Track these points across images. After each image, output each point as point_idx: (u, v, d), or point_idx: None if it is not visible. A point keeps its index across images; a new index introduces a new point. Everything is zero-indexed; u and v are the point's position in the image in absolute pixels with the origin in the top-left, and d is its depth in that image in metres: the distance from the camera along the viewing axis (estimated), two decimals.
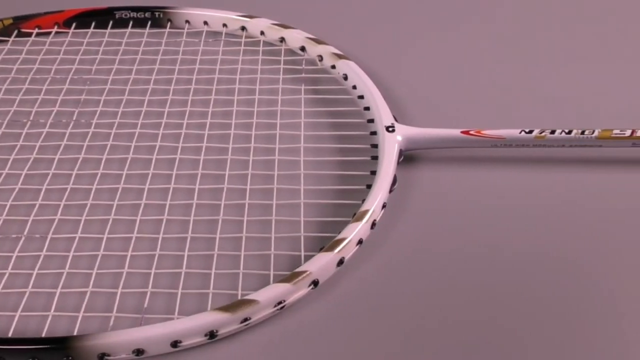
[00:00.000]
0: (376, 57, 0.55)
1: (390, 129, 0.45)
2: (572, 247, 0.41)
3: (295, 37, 0.55)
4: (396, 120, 0.47)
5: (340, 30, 0.58)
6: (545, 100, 0.51)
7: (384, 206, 0.41)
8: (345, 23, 0.60)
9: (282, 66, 0.53)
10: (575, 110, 0.50)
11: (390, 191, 0.42)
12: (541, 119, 0.49)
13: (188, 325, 0.34)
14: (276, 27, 0.56)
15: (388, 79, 0.53)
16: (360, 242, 0.39)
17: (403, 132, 0.45)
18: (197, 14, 0.58)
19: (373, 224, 0.40)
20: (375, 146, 0.45)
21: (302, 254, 0.38)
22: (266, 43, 0.56)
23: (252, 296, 0.35)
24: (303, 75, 0.52)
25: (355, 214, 0.40)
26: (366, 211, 0.40)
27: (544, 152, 0.47)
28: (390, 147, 0.44)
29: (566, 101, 0.51)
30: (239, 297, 0.35)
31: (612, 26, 0.59)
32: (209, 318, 0.34)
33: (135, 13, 0.58)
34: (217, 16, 0.57)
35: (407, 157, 0.46)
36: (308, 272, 0.36)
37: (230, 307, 0.34)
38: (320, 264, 0.37)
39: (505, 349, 0.35)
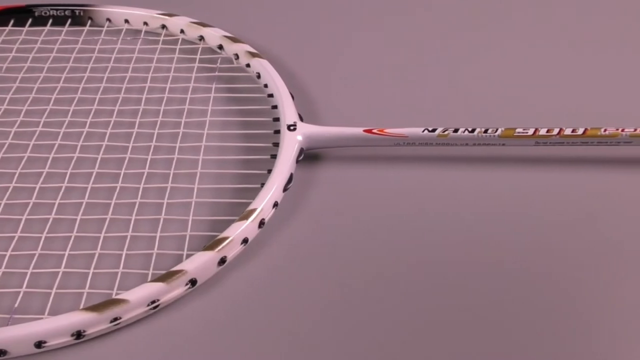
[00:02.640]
0: (294, 55, 0.55)
1: (292, 128, 0.45)
2: (475, 248, 0.40)
3: (213, 36, 0.55)
4: (301, 119, 0.47)
5: (262, 28, 0.58)
6: (453, 99, 0.51)
7: (275, 205, 0.41)
8: (266, 20, 0.60)
9: (197, 65, 0.53)
10: (482, 109, 0.50)
11: (285, 190, 0.42)
12: (449, 118, 0.48)
13: (52, 325, 0.33)
14: (195, 25, 0.55)
15: (303, 77, 0.53)
16: (245, 241, 0.39)
17: (304, 131, 0.45)
18: (118, 12, 0.57)
19: (261, 223, 0.40)
20: (277, 145, 0.45)
21: (185, 253, 0.38)
22: (186, 41, 0.56)
23: (122, 295, 0.34)
24: (217, 73, 0.52)
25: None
26: (253, 210, 0.39)
27: (450, 150, 0.46)
28: (288, 145, 0.44)
29: (473, 100, 0.51)
30: (114, 297, 0.35)
31: (515, 24, 0.59)
32: (74, 318, 0.33)
33: (55, 11, 0.57)
34: (137, 14, 0.57)
35: (313, 156, 0.46)
36: (183, 271, 0.36)
37: (98, 306, 0.34)
38: (198, 263, 0.36)
39: (391, 350, 0.35)
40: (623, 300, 0.37)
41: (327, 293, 0.37)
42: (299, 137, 0.44)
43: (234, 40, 0.54)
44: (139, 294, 0.35)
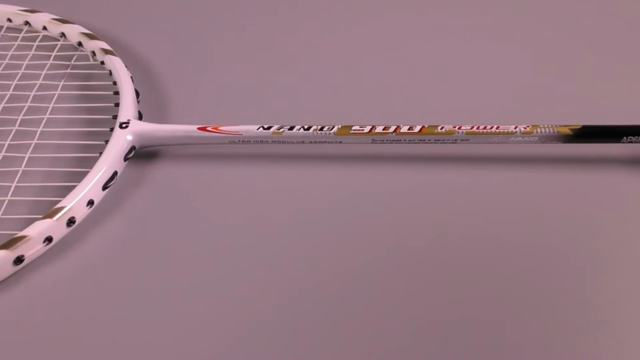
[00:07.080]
0: (154, 52, 0.54)
1: (124, 126, 0.44)
2: (310, 245, 0.39)
3: (73, 32, 0.54)
4: (140, 116, 0.46)
5: (125, 24, 0.57)
6: (306, 99, 0.50)
7: (90, 203, 0.40)
8: (131, 16, 0.59)
9: (50, 62, 0.52)
10: (330, 107, 0.49)
11: (105, 188, 0.41)
12: (302, 116, 0.48)
13: None
14: (56, 22, 0.54)
15: (160, 74, 0.52)
16: (49, 239, 0.38)
17: (136, 129, 0.44)
18: None
19: (70, 222, 0.39)
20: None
21: None
22: (49, 38, 0.55)
23: None
24: (69, 71, 0.51)
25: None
26: (60, 208, 0.38)
27: (290, 148, 0.46)
28: (114, 143, 0.43)
29: (326, 99, 0.50)
30: None
31: (355, 21, 0.58)
32: None
33: None
34: (0, 10, 0.56)
35: (150, 154, 0.45)
36: None
37: None
38: None
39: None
40: (460, 294, 0.37)
41: (135, 295, 0.37)
42: (129, 136, 0.44)
43: (92, 37, 0.53)
44: None
